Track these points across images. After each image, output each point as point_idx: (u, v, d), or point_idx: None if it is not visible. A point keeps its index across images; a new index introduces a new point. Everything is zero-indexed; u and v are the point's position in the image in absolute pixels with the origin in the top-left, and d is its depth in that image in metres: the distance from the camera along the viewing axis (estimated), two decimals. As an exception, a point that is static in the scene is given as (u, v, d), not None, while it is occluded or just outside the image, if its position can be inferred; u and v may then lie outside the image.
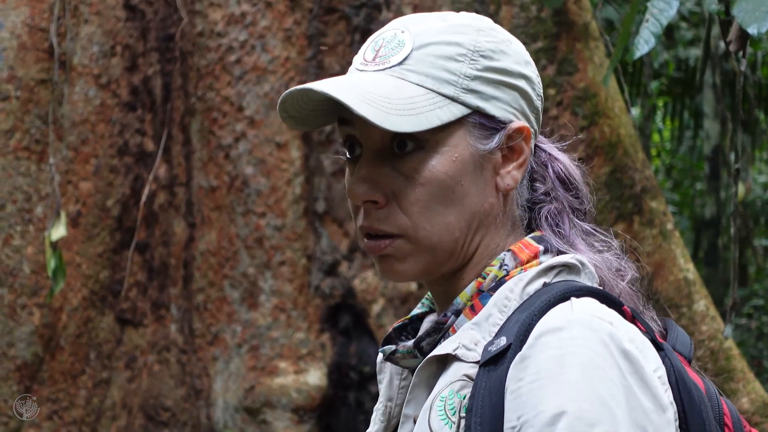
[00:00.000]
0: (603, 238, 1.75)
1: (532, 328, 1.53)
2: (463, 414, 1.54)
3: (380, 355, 1.76)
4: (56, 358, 5.23)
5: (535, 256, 1.67)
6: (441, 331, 1.66)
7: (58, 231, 5.04)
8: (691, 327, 5.02)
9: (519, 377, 1.50)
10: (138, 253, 5.35)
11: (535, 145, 1.76)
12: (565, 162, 1.77)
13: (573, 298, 1.56)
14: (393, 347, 1.72)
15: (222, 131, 5.32)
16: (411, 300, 5.20)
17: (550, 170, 1.75)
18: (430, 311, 1.80)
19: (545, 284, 1.62)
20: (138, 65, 5.40)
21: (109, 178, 5.32)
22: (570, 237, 1.71)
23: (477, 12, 5.57)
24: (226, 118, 5.32)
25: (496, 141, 1.66)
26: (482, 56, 1.66)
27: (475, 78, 1.65)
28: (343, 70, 5.14)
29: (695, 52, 11.07)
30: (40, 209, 5.23)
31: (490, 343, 1.56)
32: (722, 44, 8.01)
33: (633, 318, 1.62)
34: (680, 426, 1.56)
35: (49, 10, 5.31)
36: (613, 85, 5.28)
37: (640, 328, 1.60)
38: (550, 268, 1.64)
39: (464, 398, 1.55)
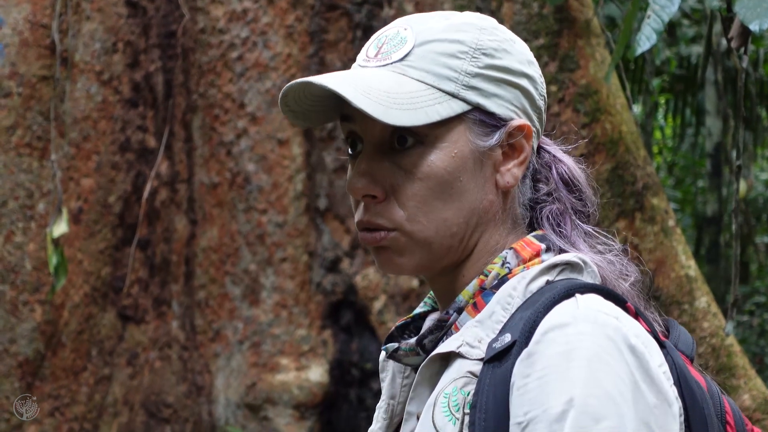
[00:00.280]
0: (605, 240, 1.76)
1: (537, 325, 1.53)
2: (467, 410, 1.55)
3: (383, 354, 1.77)
4: (58, 355, 5.23)
5: (537, 255, 1.68)
6: (443, 329, 1.67)
7: (60, 227, 5.04)
8: (692, 324, 5.02)
9: (525, 373, 1.50)
10: (139, 250, 5.35)
11: (539, 146, 1.78)
12: (569, 164, 1.78)
13: (578, 295, 1.57)
14: (396, 345, 1.72)
15: (223, 128, 5.32)
16: (412, 297, 5.20)
17: (554, 171, 1.76)
18: (433, 310, 1.81)
19: (548, 282, 1.63)
20: (140, 62, 5.40)
21: (111, 175, 5.32)
22: (571, 237, 1.72)
23: (479, 9, 5.56)
24: (227, 115, 5.32)
25: (496, 138, 1.67)
26: (484, 54, 1.67)
27: (476, 75, 1.66)
28: (344, 67, 5.15)
29: (697, 50, 11.06)
30: (42, 206, 5.23)
31: (494, 340, 1.57)
32: (724, 41, 8.01)
33: (636, 315, 1.62)
34: (683, 423, 1.56)
35: (50, 7, 5.31)
36: (614, 82, 5.28)
37: (643, 326, 1.60)
38: (553, 266, 1.65)
39: (468, 395, 1.56)
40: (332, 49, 5.37)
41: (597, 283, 1.67)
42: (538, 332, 1.52)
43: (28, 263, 5.19)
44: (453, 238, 1.67)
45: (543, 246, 1.69)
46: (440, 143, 1.65)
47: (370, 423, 1.87)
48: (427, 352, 1.67)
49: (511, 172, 1.69)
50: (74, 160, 5.29)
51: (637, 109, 11.30)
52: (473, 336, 1.61)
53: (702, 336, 5.04)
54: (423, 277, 1.77)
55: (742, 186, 10.12)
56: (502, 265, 1.67)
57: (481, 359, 1.57)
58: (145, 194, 5.31)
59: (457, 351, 1.60)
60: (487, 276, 1.67)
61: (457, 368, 1.59)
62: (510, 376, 1.52)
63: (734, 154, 9.92)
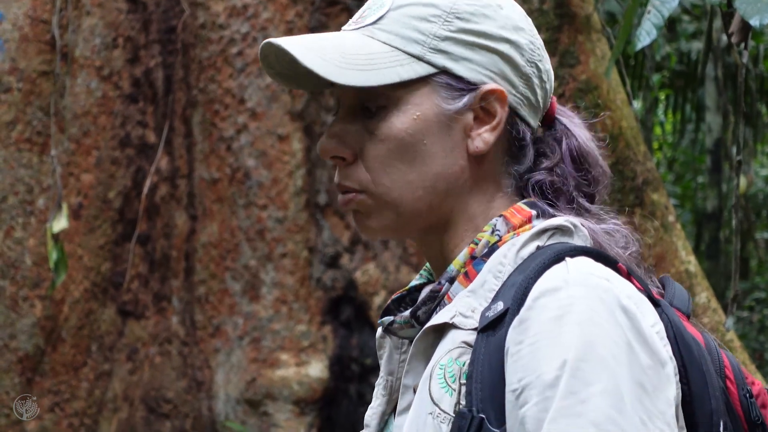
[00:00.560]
0: (604, 216, 1.74)
1: (528, 291, 1.52)
2: (463, 381, 1.54)
3: (379, 330, 1.77)
4: (58, 350, 5.24)
5: (528, 221, 1.67)
6: (436, 300, 1.66)
7: (60, 223, 5.04)
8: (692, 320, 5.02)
9: (518, 340, 1.50)
10: (139, 245, 5.35)
11: (555, 118, 1.76)
12: (582, 140, 1.76)
13: (567, 258, 1.56)
14: (391, 318, 1.72)
15: (223, 123, 5.32)
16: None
17: (564, 145, 1.74)
18: (429, 282, 1.80)
19: (538, 247, 1.62)
20: (140, 57, 5.40)
21: (111, 170, 5.32)
22: (562, 209, 1.70)
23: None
24: (227, 110, 5.32)
25: (464, 102, 1.66)
26: (458, 18, 1.66)
27: (446, 39, 1.66)
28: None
29: (697, 45, 11.07)
30: (42, 201, 5.23)
31: (487, 308, 1.56)
32: (724, 37, 8.01)
33: (628, 275, 1.61)
34: (681, 380, 1.56)
35: (51, 2, 5.31)
36: (614, 77, 5.28)
37: (636, 285, 1.59)
38: (543, 231, 1.64)
39: (463, 365, 1.55)
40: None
41: (588, 245, 1.66)
42: (530, 298, 1.51)
43: (28, 259, 5.19)
44: (420, 201, 1.67)
45: (534, 212, 1.67)
46: (403, 105, 1.65)
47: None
48: (422, 323, 1.66)
49: (482, 137, 1.67)
50: (74, 155, 5.29)
51: (637, 104, 11.30)
52: (466, 306, 1.60)
53: (702, 332, 5.03)
54: (398, 238, 1.78)
55: (743, 182, 10.12)
56: (492, 232, 1.66)
57: (474, 329, 1.56)
58: (145, 190, 5.31)
59: (450, 322, 1.59)
60: (477, 244, 1.66)
61: (452, 339, 1.59)
62: (504, 344, 1.51)
63: (734, 150, 9.92)
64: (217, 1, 5.35)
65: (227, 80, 5.33)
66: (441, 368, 1.57)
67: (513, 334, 1.51)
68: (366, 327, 5.24)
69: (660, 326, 1.56)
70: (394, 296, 1.81)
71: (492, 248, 1.65)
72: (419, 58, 1.65)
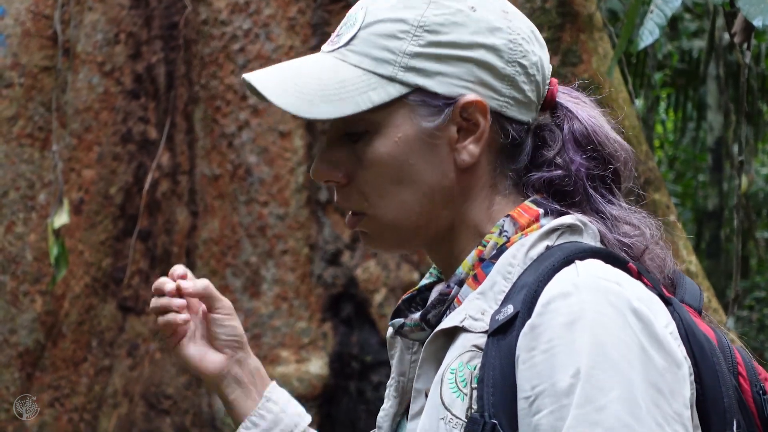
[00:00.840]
0: (619, 206, 1.70)
1: (538, 295, 1.51)
2: (474, 385, 1.54)
3: (390, 330, 1.76)
4: (58, 346, 5.24)
5: (536, 220, 1.64)
6: (446, 303, 1.65)
7: (61, 218, 5.04)
8: (692, 319, 5.02)
9: (530, 346, 1.49)
10: (140, 241, 5.35)
11: (557, 103, 1.72)
12: (584, 119, 1.72)
13: (577, 261, 1.54)
14: (402, 320, 1.71)
15: (225, 120, 5.32)
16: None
17: (565, 129, 1.70)
18: (439, 280, 1.79)
19: (548, 247, 1.60)
20: (142, 53, 5.40)
21: (112, 166, 5.32)
22: (572, 205, 1.67)
23: None
24: (229, 107, 5.32)
25: (443, 118, 1.62)
26: (427, 31, 1.62)
27: (417, 55, 1.62)
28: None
29: (699, 44, 11.06)
30: (43, 196, 5.23)
31: (497, 311, 1.55)
32: (726, 36, 8.01)
33: (639, 275, 1.60)
34: (695, 380, 1.55)
35: (52, -3, 5.31)
36: (617, 76, 5.28)
37: (646, 284, 1.58)
38: (552, 230, 1.62)
39: (474, 369, 1.54)
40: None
41: (597, 245, 1.64)
42: (540, 303, 1.50)
43: (29, 254, 5.19)
44: (417, 217, 1.66)
45: (541, 210, 1.65)
46: (384, 129, 1.63)
47: (370, 415, 1.87)
48: (432, 326, 1.65)
49: (468, 149, 1.64)
50: (75, 150, 5.29)
51: (639, 103, 11.30)
52: (476, 308, 1.59)
53: (702, 331, 5.03)
54: (406, 252, 1.78)
55: (744, 181, 10.13)
56: (500, 233, 1.64)
57: (485, 332, 1.55)
58: (146, 185, 5.31)
59: (461, 325, 1.58)
60: (485, 246, 1.64)
61: (462, 342, 1.58)
62: (515, 350, 1.50)
63: (736, 149, 9.91)
64: (219, -2, 5.35)
65: (229, 76, 5.32)
66: (452, 372, 1.56)
67: (524, 340, 1.50)
68: (366, 324, 5.24)
69: (673, 326, 1.55)
70: (404, 296, 1.80)
71: (500, 249, 1.63)
72: (391, 79, 1.61)
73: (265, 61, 5.30)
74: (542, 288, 1.52)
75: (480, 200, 1.68)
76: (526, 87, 1.67)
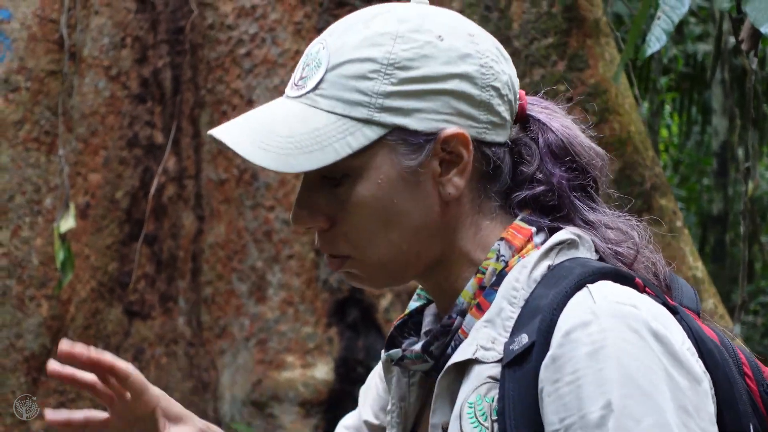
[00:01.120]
0: (605, 211, 1.69)
1: (554, 324, 1.50)
2: (494, 417, 1.52)
3: (383, 354, 1.73)
4: (64, 350, 5.23)
5: (530, 239, 1.63)
6: (449, 334, 1.63)
7: (67, 222, 5.04)
8: (699, 325, 5.01)
9: (554, 378, 1.48)
10: (146, 246, 5.35)
11: (528, 116, 1.69)
12: (557, 129, 1.69)
13: (588, 285, 1.53)
14: (399, 352, 1.68)
15: (231, 124, 5.31)
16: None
17: (540, 142, 1.68)
18: (428, 302, 1.77)
19: (550, 267, 1.59)
20: (148, 57, 5.40)
21: (119, 170, 5.32)
22: (561, 218, 1.66)
23: (488, 8, 5.49)
24: (235, 111, 5.31)
25: (425, 154, 1.59)
26: (397, 68, 1.58)
27: (390, 94, 1.58)
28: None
29: (703, 48, 11.05)
30: (49, 201, 5.23)
31: (511, 341, 1.53)
32: (731, 39, 8.00)
33: (644, 287, 1.59)
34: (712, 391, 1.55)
35: (59, 2, 5.31)
36: (623, 81, 5.27)
37: (650, 294, 1.58)
38: (550, 249, 1.61)
39: (492, 401, 1.53)
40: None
41: (593, 256, 1.63)
42: (558, 333, 1.49)
43: (35, 258, 5.19)
44: (407, 254, 1.63)
45: (533, 228, 1.64)
46: (365, 171, 1.59)
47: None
48: (435, 358, 1.63)
49: (452, 182, 1.62)
50: (82, 155, 5.29)
51: (644, 107, 11.29)
52: (486, 337, 1.57)
53: (708, 337, 5.02)
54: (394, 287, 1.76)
55: (750, 186, 10.12)
56: (497, 259, 1.62)
57: (497, 361, 1.54)
58: (153, 190, 5.31)
59: (473, 357, 1.57)
60: (484, 273, 1.62)
61: (476, 375, 1.56)
62: (536, 381, 1.49)
63: (741, 153, 9.90)
64: (225, 2, 5.35)
65: (235, 81, 5.32)
66: (470, 406, 1.55)
67: (547, 372, 1.49)
68: (372, 330, 5.24)
69: (689, 342, 1.54)
70: (396, 322, 1.77)
71: (500, 275, 1.61)
72: (367, 121, 1.57)
73: (272, 65, 5.30)
74: (557, 316, 1.51)
75: (467, 227, 1.65)
76: (501, 108, 1.65)
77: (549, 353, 1.49)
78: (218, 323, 5.27)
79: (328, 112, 1.58)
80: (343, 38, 1.62)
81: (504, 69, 1.66)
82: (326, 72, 1.60)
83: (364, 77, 1.58)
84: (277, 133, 1.58)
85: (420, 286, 1.79)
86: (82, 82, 5.31)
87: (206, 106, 5.36)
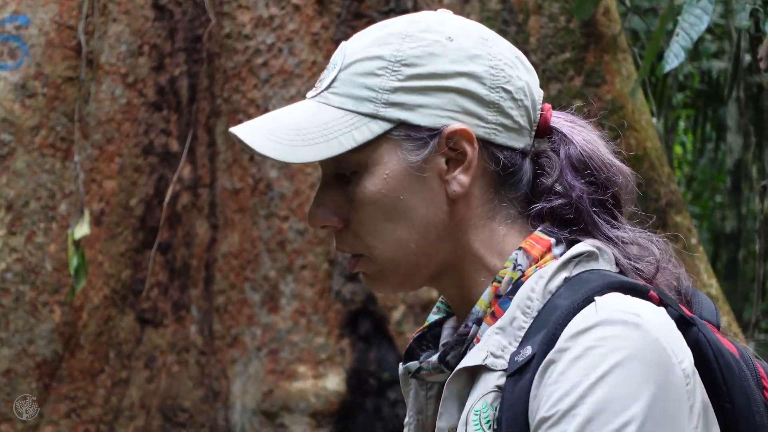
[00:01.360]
0: (624, 228, 1.70)
1: (557, 337, 1.51)
2: (495, 426, 1.54)
3: (401, 366, 1.74)
4: (76, 357, 5.24)
5: (549, 250, 1.64)
6: (465, 343, 1.64)
7: (82, 229, 5.05)
8: (712, 343, 5.00)
9: (542, 382, 1.50)
10: (160, 254, 5.35)
11: (552, 128, 1.71)
12: (579, 143, 1.70)
13: (596, 298, 1.54)
14: (417, 364, 1.69)
15: (247, 134, 5.31)
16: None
17: (561, 154, 1.69)
18: (448, 315, 1.77)
19: (566, 279, 1.60)
20: (165, 65, 5.41)
21: (134, 178, 5.33)
22: (581, 231, 1.66)
23: (505, 21, 5.51)
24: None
25: (429, 150, 1.62)
26: (404, 65, 1.62)
27: (396, 90, 1.62)
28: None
29: (718, 65, 11.04)
30: (64, 207, 5.23)
31: (517, 352, 1.55)
32: (746, 57, 7.99)
33: (660, 301, 1.59)
34: (724, 400, 1.56)
35: (77, 8, 5.32)
36: (640, 97, 5.27)
37: (668, 309, 1.58)
38: (568, 261, 1.61)
39: (496, 410, 1.54)
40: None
41: (613, 269, 1.63)
42: (558, 343, 1.51)
43: (49, 264, 5.19)
44: (417, 254, 1.65)
45: (552, 240, 1.65)
46: (372, 167, 1.63)
47: (385, 432, 1.86)
48: (451, 368, 1.63)
49: (457, 179, 1.63)
50: (97, 162, 5.29)
51: (659, 124, 11.28)
52: (496, 344, 1.58)
53: (721, 355, 5.01)
54: (408, 291, 1.77)
55: (766, 204, 10.09)
56: (514, 268, 1.63)
57: (505, 370, 1.55)
58: (167, 198, 5.31)
59: (483, 364, 1.58)
60: (500, 282, 1.63)
61: (485, 383, 1.57)
62: (529, 388, 1.51)
63: (755, 171, 9.87)
64: (243, 12, 5.36)
65: (251, 90, 5.33)
66: (476, 414, 1.56)
67: (538, 378, 1.51)
68: (384, 341, 5.23)
69: (688, 361, 1.53)
70: (414, 335, 1.78)
71: (516, 284, 1.62)
72: (373, 116, 1.61)
73: (288, 76, 5.30)
74: (561, 330, 1.52)
75: (479, 231, 1.66)
76: (513, 112, 1.66)
77: (543, 361, 1.51)
78: (230, 332, 5.27)
79: (338, 108, 1.63)
80: (359, 41, 1.68)
81: (520, 75, 1.69)
82: (340, 71, 1.65)
83: (372, 74, 1.62)
84: (287, 126, 1.63)
85: (440, 298, 1.79)
86: (98, 89, 5.32)
87: (222, 115, 5.36)
